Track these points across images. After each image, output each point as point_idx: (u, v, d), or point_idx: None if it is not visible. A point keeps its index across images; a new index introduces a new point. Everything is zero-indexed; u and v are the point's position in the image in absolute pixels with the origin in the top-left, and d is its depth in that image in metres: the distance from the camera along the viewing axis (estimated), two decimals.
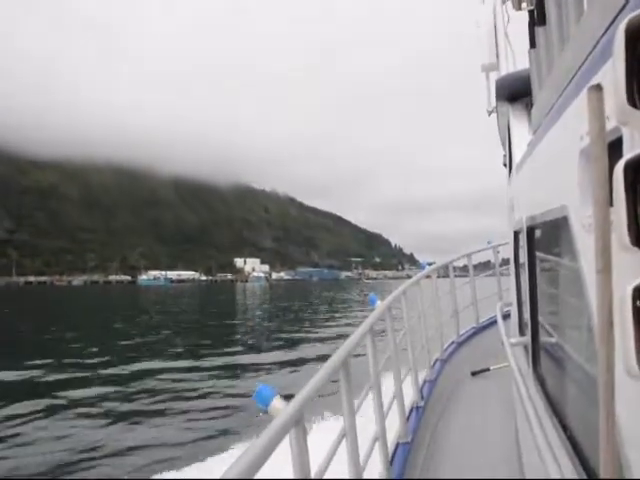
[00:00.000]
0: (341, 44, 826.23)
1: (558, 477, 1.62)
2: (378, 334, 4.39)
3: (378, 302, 5.07)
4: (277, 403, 2.19)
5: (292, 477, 2.13)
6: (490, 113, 5.97)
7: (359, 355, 3.86)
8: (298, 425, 2.11)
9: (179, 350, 28.23)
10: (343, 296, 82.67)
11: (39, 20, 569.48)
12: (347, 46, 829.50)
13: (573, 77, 1.67)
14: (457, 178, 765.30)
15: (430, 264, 8.74)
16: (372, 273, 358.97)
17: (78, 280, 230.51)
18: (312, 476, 2.25)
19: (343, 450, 2.95)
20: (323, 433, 3.77)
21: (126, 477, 10.24)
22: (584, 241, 1.49)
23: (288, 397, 2.24)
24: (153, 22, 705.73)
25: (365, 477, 3.21)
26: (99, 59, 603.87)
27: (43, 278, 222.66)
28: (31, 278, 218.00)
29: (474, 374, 8.04)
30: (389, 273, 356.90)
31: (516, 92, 4.64)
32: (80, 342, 31.11)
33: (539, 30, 2.65)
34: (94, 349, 28.13)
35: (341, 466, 2.91)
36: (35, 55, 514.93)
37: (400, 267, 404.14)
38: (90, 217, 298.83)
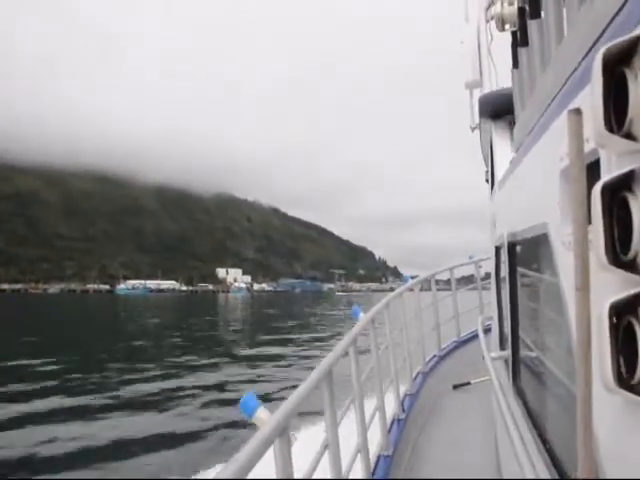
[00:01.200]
0: (326, 58, 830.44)
1: None
2: (361, 349, 4.42)
3: (361, 314, 5.12)
4: (262, 413, 2.18)
5: None
6: (473, 129, 6.01)
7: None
8: (282, 436, 2.10)
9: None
10: (317, 311, 79.48)
11: (29, 23, 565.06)
12: (333, 60, 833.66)
13: (553, 99, 1.72)
14: (441, 193, 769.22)
15: (413, 277, 8.95)
16: (356, 285, 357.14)
17: (54, 288, 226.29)
18: None
19: (326, 461, 2.95)
20: (305, 443, 3.85)
21: (126, 477, 10.10)
22: (564, 258, 1.51)
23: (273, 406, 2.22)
24: (140, 26, 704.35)
25: None
26: (81, 66, 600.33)
27: (18, 286, 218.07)
28: (5, 286, 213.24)
29: (455, 387, 8.05)
30: (373, 285, 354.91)
31: (499, 110, 4.70)
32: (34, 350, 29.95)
33: (522, 51, 2.69)
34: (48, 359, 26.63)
35: (324, 477, 2.94)
36: (18, 60, 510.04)
37: (384, 280, 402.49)
38: (70, 225, 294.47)
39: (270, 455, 1.98)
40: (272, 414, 2.15)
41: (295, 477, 2.22)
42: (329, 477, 3.05)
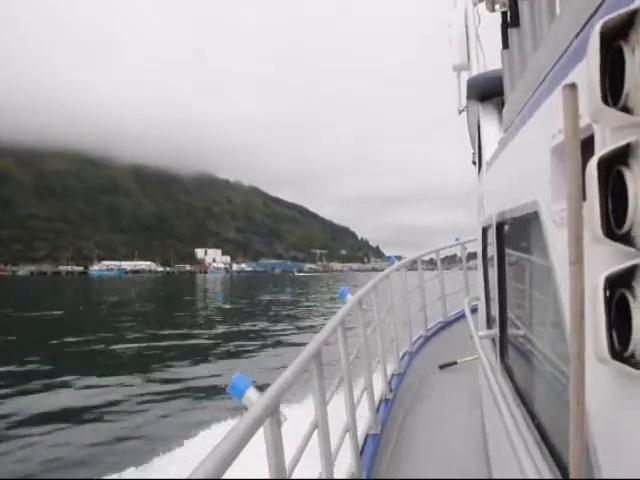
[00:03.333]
0: (310, 39, 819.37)
1: (528, 465, 1.65)
2: (349, 328, 4.53)
3: (349, 296, 5.17)
4: (251, 394, 2.19)
5: (267, 467, 2.16)
6: (461, 112, 6.11)
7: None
8: (273, 416, 2.12)
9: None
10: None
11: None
12: (317, 41, 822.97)
13: (546, 77, 1.72)
14: (425, 174, 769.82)
15: (398, 257, 9.18)
16: (337, 265, 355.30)
17: (24, 270, 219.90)
18: (286, 465, 2.28)
19: (315, 440, 3.00)
20: (294, 422, 3.84)
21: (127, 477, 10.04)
22: (554, 235, 1.53)
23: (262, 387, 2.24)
24: (124, 5, 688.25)
25: (336, 467, 3.27)
26: (55, 43, 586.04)
27: None
28: None
29: (442, 367, 8.10)
30: (354, 265, 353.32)
31: (487, 92, 4.72)
32: None
33: (512, 31, 2.72)
34: None
35: (313, 456, 2.95)
36: None
37: (366, 260, 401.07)
38: (43, 205, 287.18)
39: (260, 434, 1.98)
40: (262, 395, 2.15)
41: (285, 456, 2.24)
42: (319, 456, 3.09)
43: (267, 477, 2.16)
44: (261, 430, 2.02)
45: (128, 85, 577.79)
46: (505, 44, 3.01)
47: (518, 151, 2.33)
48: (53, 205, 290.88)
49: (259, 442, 1.98)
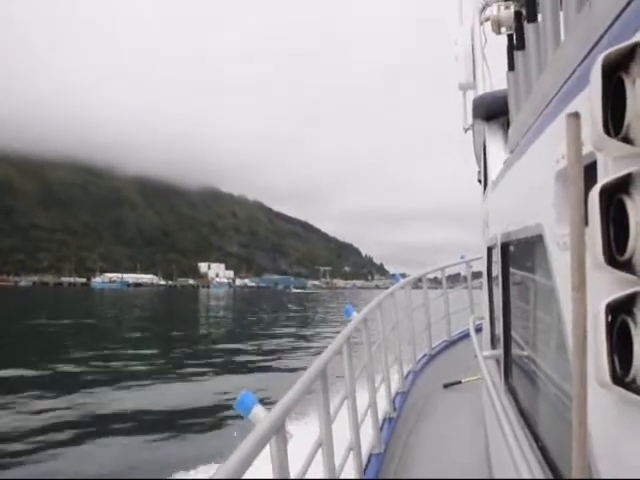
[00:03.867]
0: (311, 50, 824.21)
1: None
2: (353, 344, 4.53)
3: (354, 313, 5.20)
4: (258, 411, 2.19)
5: None
6: (466, 130, 6.14)
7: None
8: (279, 434, 2.12)
9: None
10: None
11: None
12: (317, 52, 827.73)
13: (550, 102, 1.74)
14: (429, 192, 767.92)
15: (403, 275, 9.35)
16: (340, 282, 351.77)
17: (26, 281, 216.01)
18: None
19: (319, 458, 3.02)
20: (298, 439, 4.02)
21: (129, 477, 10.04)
22: (558, 259, 1.53)
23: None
24: (123, 12, 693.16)
25: None
26: (59, 52, 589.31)
27: None
28: None
29: (446, 386, 8.09)
30: (358, 283, 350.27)
31: (493, 111, 4.76)
32: None
33: (518, 54, 2.71)
34: None
35: (317, 474, 2.98)
36: None
37: (370, 277, 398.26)
38: (47, 215, 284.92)
39: (264, 452, 1.99)
40: (268, 412, 2.16)
41: (290, 474, 2.25)
42: (322, 475, 3.11)
43: None
44: (267, 447, 2.02)
45: (132, 97, 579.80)
46: (511, 66, 3.03)
47: (523, 173, 2.34)
48: (57, 216, 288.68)
49: (264, 459, 1.97)
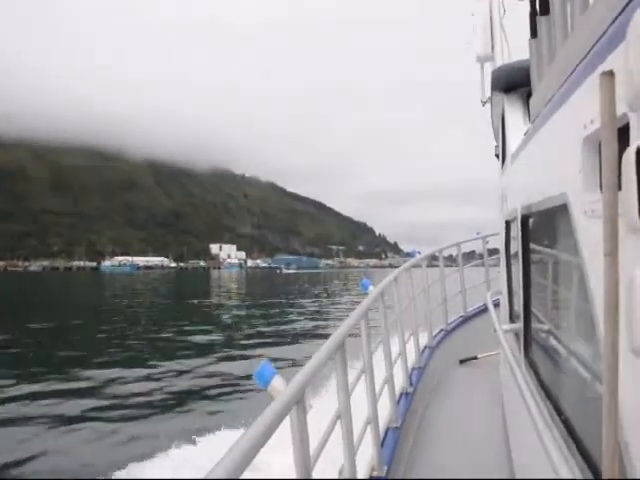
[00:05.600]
0: (323, 25, 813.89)
1: (561, 464, 1.60)
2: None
3: (371, 287, 5.22)
4: (277, 383, 2.20)
5: (292, 455, 2.16)
6: (484, 103, 6.11)
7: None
8: (299, 405, 2.14)
9: None
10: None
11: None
12: (330, 27, 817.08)
13: (577, 65, 1.67)
14: (442, 170, 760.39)
15: (419, 252, 9.09)
16: (354, 261, 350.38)
17: (36, 266, 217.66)
18: (311, 454, 2.29)
19: (338, 430, 3.04)
20: (317, 411, 4.08)
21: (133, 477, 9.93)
22: (585, 227, 1.50)
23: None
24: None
25: (357, 458, 3.30)
26: (66, 38, 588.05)
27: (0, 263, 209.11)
28: None
29: (462, 362, 8.15)
30: (371, 262, 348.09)
31: (512, 83, 4.71)
32: None
33: (541, 19, 2.68)
34: None
35: (336, 446, 2.99)
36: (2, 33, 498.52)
37: (383, 256, 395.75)
38: (58, 200, 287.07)
39: (284, 423, 1.98)
40: (288, 384, 2.17)
41: (310, 445, 2.25)
42: (341, 446, 3.12)
43: (292, 465, 2.16)
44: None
45: (142, 80, 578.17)
46: (533, 33, 2.96)
47: (546, 142, 2.28)
48: (68, 200, 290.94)
49: (282, 430, 1.96)
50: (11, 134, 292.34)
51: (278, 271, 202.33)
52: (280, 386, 2.16)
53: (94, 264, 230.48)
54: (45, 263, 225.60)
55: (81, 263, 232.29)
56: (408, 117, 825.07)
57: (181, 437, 10.30)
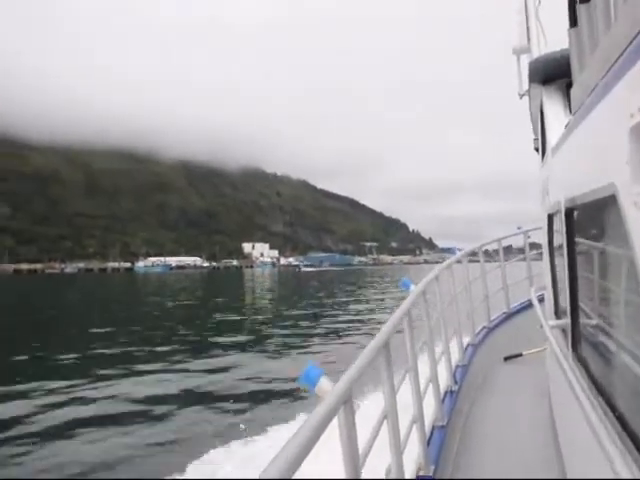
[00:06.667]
0: (350, 20, 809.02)
1: (620, 464, 1.55)
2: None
3: (412, 286, 5.18)
4: (324, 383, 2.19)
5: (341, 455, 2.17)
6: (522, 96, 6.05)
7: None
8: (347, 404, 2.14)
9: None
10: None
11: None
12: (355, 22, 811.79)
13: (622, 53, 1.64)
14: (476, 163, 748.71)
15: (460, 250, 9.22)
16: (387, 258, 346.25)
17: (71, 267, 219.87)
18: (359, 453, 2.30)
19: (384, 430, 3.05)
20: (363, 412, 4.16)
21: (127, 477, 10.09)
22: (635, 218, 1.47)
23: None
24: None
25: (404, 457, 3.31)
26: (100, 42, 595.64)
27: (35, 266, 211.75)
28: (23, 266, 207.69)
29: (506, 359, 8.03)
30: (405, 258, 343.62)
31: (550, 74, 4.68)
32: None
33: (581, 7, 2.62)
34: None
35: (383, 445, 3.01)
36: (33, 41, 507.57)
37: (418, 252, 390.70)
38: (92, 203, 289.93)
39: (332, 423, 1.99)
40: (335, 384, 2.17)
41: (358, 445, 2.27)
42: (388, 445, 3.14)
43: (342, 465, 2.17)
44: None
45: (171, 81, 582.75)
46: (573, 22, 2.91)
47: (590, 133, 2.25)
48: (101, 203, 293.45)
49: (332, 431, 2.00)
50: (45, 138, 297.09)
51: (297, 269, 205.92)
52: (327, 386, 2.16)
53: (128, 265, 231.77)
54: (80, 265, 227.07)
55: (115, 264, 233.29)
56: (440, 111, 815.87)
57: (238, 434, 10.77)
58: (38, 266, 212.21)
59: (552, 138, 4.12)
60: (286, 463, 1.47)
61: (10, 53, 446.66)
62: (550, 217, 4.17)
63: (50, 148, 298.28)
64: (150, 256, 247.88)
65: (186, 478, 9.26)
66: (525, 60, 5.72)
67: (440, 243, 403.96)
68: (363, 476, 2.32)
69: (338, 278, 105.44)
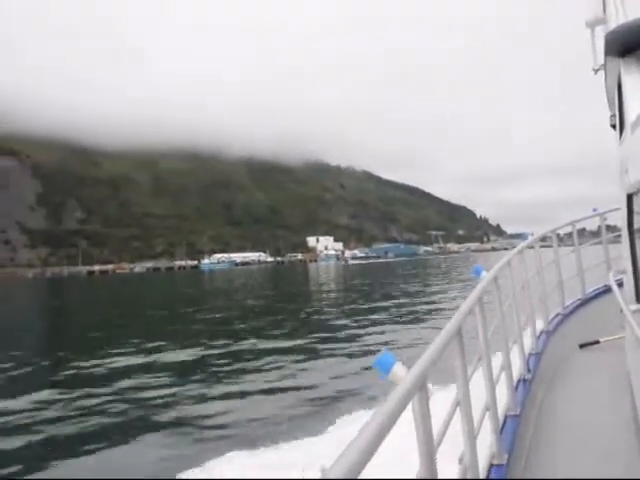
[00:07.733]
0: (405, 12, 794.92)
1: None
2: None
3: (484, 272, 5.10)
4: (398, 370, 2.20)
5: (415, 440, 2.15)
6: (596, 71, 5.78)
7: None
8: (422, 390, 2.14)
9: None
10: None
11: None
12: (412, 13, 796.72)
13: None
14: (542, 145, 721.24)
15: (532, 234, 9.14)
16: (454, 246, 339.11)
17: (140, 267, 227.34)
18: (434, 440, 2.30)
19: (457, 417, 3.04)
20: (436, 398, 3.98)
21: (144, 478, 10.04)
22: None
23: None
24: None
25: (478, 445, 3.28)
26: (163, 50, 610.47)
27: (106, 267, 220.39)
28: (95, 267, 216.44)
29: (582, 347, 7.73)
30: (472, 246, 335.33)
31: (630, 45, 4.44)
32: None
33: None
34: None
35: (457, 432, 3.01)
36: (95, 46, 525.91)
37: (485, 239, 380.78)
38: (160, 203, 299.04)
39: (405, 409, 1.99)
40: (409, 370, 2.17)
41: (433, 431, 2.26)
42: (462, 433, 3.12)
43: (416, 450, 2.16)
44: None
45: (232, 79, 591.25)
46: None
47: None
48: (168, 203, 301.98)
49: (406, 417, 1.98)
50: (111, 145, 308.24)
51: (344, 263, 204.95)
52: (402, 373, 2.15)
53: (194, 262, 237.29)
54: (149, 264, 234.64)
55: (182, 262, 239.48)
56: (504, 95, 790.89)
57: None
58: (109, 267, 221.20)
59: (631, 113, 3.93)
60: (366, 444, 1.48)
61: (85, 72, 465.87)
62: (629, 197, 4.00)
63: (120, 153, 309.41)
64: (215, 253, 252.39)
65: (187, 478, 9.20)
66: (600, 33, 5.40)
67: (509, 229, 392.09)
68: (437, 462, 2.31)
69: (386, 272, 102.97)
